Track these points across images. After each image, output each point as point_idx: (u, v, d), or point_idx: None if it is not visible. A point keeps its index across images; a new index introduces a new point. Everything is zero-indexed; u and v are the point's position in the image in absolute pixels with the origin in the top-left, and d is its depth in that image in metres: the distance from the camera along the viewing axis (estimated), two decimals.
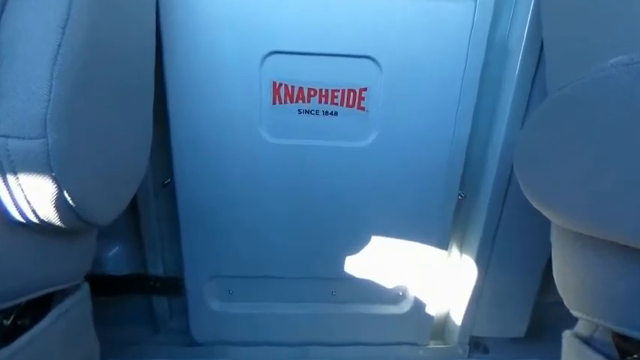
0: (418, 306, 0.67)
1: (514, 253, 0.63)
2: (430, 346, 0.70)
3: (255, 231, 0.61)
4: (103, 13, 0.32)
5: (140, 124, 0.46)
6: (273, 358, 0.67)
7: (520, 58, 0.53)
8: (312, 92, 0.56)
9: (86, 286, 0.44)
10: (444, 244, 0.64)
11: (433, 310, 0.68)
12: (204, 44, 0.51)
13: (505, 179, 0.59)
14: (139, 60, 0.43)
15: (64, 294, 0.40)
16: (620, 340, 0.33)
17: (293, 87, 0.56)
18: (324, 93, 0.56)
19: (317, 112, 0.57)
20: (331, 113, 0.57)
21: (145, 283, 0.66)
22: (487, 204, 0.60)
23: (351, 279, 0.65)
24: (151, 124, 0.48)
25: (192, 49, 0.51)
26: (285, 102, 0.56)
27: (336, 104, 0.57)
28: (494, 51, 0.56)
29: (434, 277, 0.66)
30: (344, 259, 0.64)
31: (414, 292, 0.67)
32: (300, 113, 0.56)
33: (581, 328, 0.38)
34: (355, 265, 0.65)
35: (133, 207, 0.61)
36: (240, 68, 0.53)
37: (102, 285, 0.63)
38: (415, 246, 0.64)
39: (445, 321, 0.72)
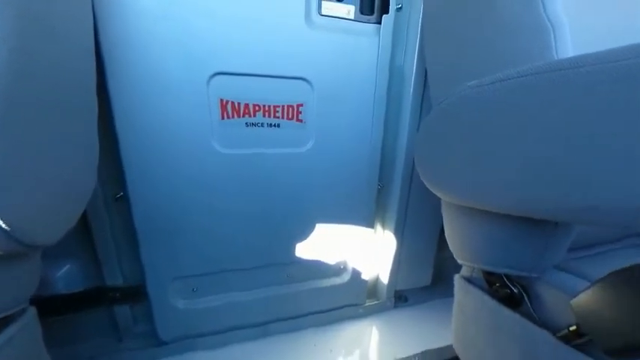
0: (355, 274, 0.69)
1: (419, 224, 0.69)
2: (367, 304, 0.73)
3: (214, 232, 0.56)
4: (34, 36, 0.26)
5: (84, 142, 0.39)
6: (237, 341, 0.63)
7: (413, 80, 0.58)
8: (257, 108, 0.53)
9: (32, 310, 0.34)
10: (370, 224, 0.67)
11: (367, 275, 0.71)
12: (148, 62, 0.45)
13: (410, 171, 0.64)
14: (77, 79, 0.37)
15: (7, 320, 0.31)
16: (488, 275, 0.38)
17: (239, 104, 0.52)
18: (267, 108, 0.54)
19: (262, 125, 0.54)
20: (275, 125, 0.55)
21: (104, 296, 0.55)
22: (399, 190, 0.64)
23: (302, 261, 0.64)
24: (96, 140, 0.41)
25: (136, 66, 0.45)
26: (233, 117, 0.53)
27: (278, 117, 0.55)
28: (395, 75, 0.60)
29: (365, 250, 0.69)
30: (295, 246, 0.63)
31: (351, 264, 0.69)
32: (248, 126, 0.54)
33: (464, 271, 0.43)
34: (305, 249, 0.64)
35: (84, 223, 0.50)
36: (188, 86, 0.48)
37: (55, 305, 0.51)
38: (349, 228, 0.65)
39: (376, 283, 0.76)
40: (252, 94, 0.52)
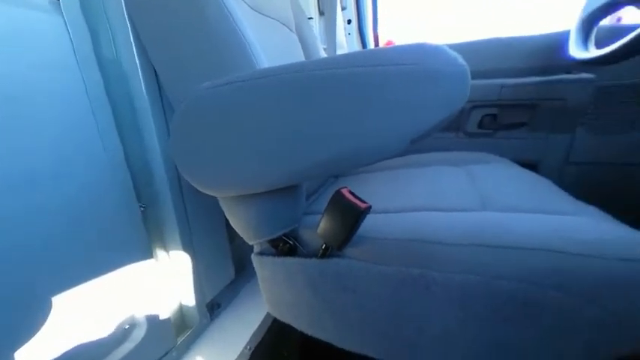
0: (152, 321, 0.54)
1: (205, 226, 0.65)
2: (181, 340, 0.61)
3: None
4: None
5: None
6: None
7: (142, 79, 0.49)
8: None
9: None
10: (147, 254, 0.54)
11: (167, 311, 0.58)
12: None
13: (176, 178, 0.57)
14: None
15: None
16: (272, 242, 0.44)
17: None
18: None
19: None
20: None
21: None
22: (171, 201, 0.55)
23: None
24: None
25: None
26: None
27: None
28: (112, 72, 0.48)
29: (152, 285, 0.55)
30: (29, 348, 0.36)
31: (140, 312, 0.53)
32: None
33: (256, 249, 0.47)
34: (53, 342, 0.39)
35: None
36: None
37: None
38: (119, 272, 0.48)
39: (181, 311, 0.65)
40: None
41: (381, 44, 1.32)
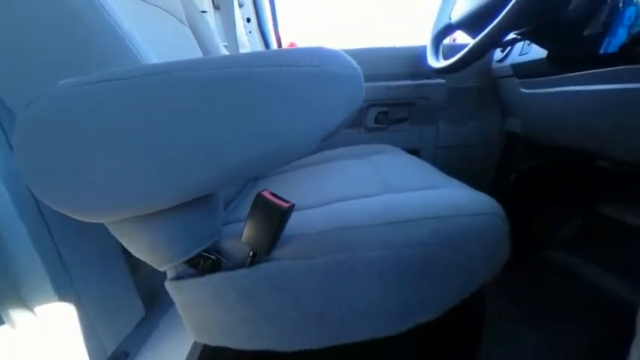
0: None
1: (91, 260, 0.52)
2: None
3: None
4: None
5: None
6: None
7: None
8: None
9: None
10: None
11: None
12: None
13: (33, 204, 0.43)
14: None
15: None
16: (190, 261, 0.39)
17: None
18: None
19: None
20: None
21: None
22: (29, 240, 0.42)
23: None
24: None
25: None
26: None
27: None
28: None
29: None
30: None
31: None
32: None
33: (170, 274, 0.41)
34: None
35: None
36: None
37: None
38: None
39: None
40: None
41: (284, 46, 1.35)
